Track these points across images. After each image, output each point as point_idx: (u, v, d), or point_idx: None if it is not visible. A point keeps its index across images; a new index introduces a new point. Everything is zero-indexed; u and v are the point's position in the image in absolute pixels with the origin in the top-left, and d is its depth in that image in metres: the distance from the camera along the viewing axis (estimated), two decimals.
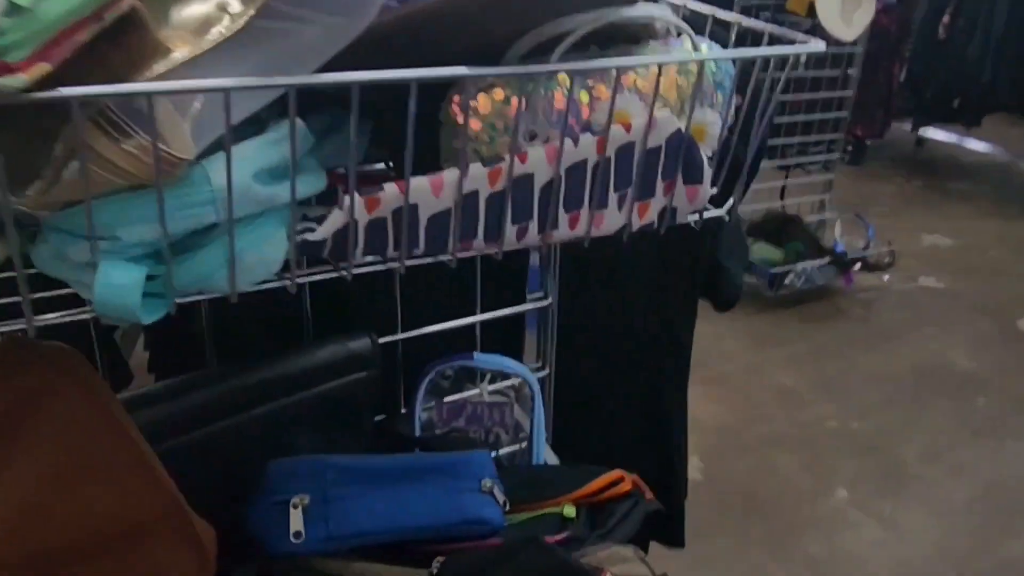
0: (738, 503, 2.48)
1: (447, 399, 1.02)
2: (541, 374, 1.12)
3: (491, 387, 1.05)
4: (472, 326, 1.05)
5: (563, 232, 0.57)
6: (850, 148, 4.48)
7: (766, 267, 3.47)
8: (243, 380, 0.82)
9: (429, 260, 0.57)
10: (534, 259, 1.07)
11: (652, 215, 0.61)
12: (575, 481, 0.93)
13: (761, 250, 3.53)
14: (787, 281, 3.47)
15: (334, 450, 0.86)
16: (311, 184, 0.53)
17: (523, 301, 1.07)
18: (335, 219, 0.50)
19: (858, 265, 3.51)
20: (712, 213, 0.67)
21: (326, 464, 0.77)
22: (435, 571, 0.73)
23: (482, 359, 1.01)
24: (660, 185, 0.59)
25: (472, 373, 1.05)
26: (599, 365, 1.22)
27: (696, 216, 0.64)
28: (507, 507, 0.86)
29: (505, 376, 1.04)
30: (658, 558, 1.47)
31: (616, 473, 0.93)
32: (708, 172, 0.60)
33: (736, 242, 1.22)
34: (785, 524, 2.39)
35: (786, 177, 3.65)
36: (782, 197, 3.68)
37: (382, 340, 0.97)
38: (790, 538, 2.33)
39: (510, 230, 0.55)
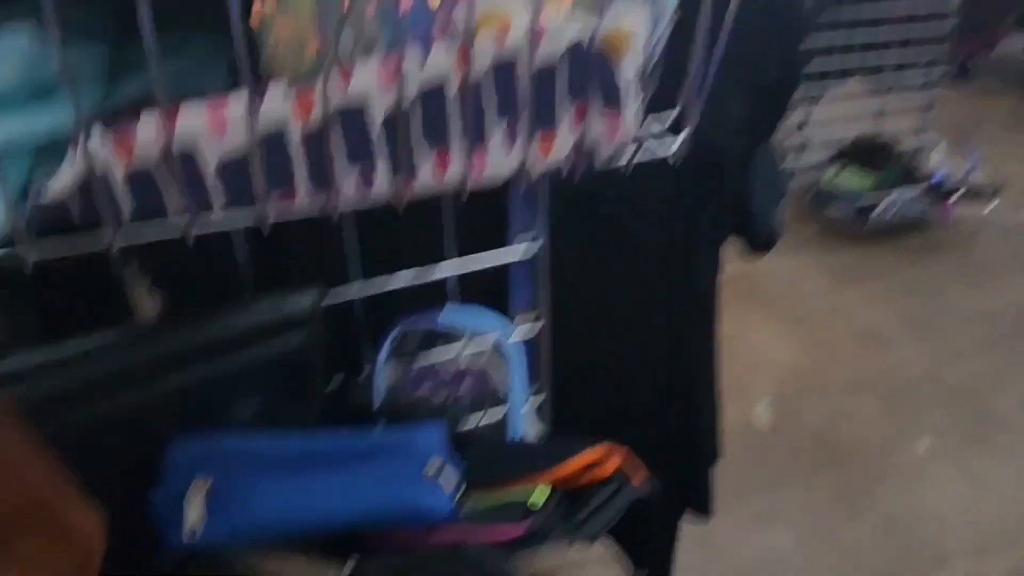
0: (809, 452, 2.31)
1: (416, 363, 0.91)
2: (535, 326, 0.99)
3: (469, 348, 0.93)
4: (444, 277, 0.92)
5: (428, 179, 0.44)
6: (955, 65, 4.07)
7: (854, 197, 3.20)
8: (155, 343, 0.72)
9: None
10: (517, 195, 0.93)
11: (559, 153, 0.46)
12: (549, 460, 0.80)
13: (849, 178, 3.26)
14: (876, 213, 3.20)
15: (275, 422, 0.75)
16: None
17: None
18: (65, 174, 0.38)
19: (958, 195, 3.19)
20: (652, 152, 0.51)
21: (230, 446, 0.67)
22: (347, 573, 0.62)
23: (453, 315, 0.88)
24: (566, 113, 0.45)
25: (447, 331, 0.92)
26: (605, 318, 1.08)
27: (624, 155, 0.49)
28: (460, 491, 0.74)
29: (483, 335, 0.91)
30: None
31: (598, 451, 0.80)
32: (631, 95, 0.45)
33: (769, 176, 1.05)
34: (861, 477, 2.21)
35: (881, 97, 3.33)
36: (876, 120, 3.38)
37: (336, 300, 0.86)
38: (865, 492, 2.16)
39: (348, 177, 0.42)
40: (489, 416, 0.94)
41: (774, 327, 2.82)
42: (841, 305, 2.94)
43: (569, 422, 0.96)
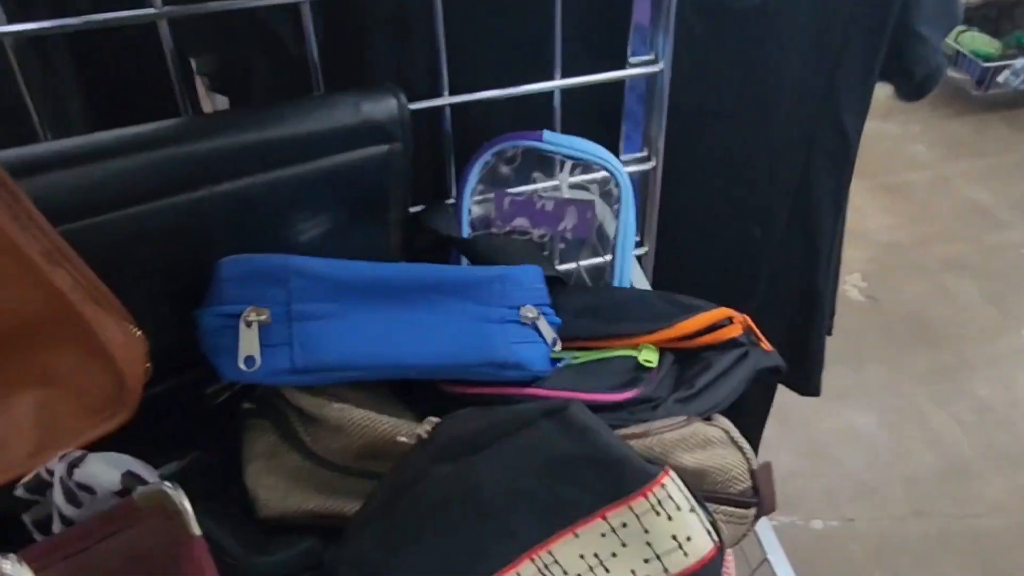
0: (901, 330, 2.16)
1: (511, 190, 0.78)
2: (643, 167, 0.85)
3: (571, 179, 0.79)
4: (548, 97, 0.78)
5: None
6: None
7: (976, 60, 2.89)
8: (211, 140, 0.60)
9: None
10: (641, 11, 0.77)
11: None
12: (663, 315, 0.68)
13: (972, 40, 2.94)
14: (1001, 79, 2.90)
15: (345, 250, 0.64)
16: None
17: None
18: None
19: None
20: None
21: (293, 267, 0.55)
22: (424, 436, 0.52)
23: (557, 140, 0.74)
24: None
25: (547, 160, 0.79)
26: (726, 161, 0.92)
27: None
28: (556, 345, 0.63)
29: (589, 167, 0.78)
30: (781, 391, 1.22)
31: (722, 311, 0.67)
32: None
33: (943, 2, 0.86)
34: (954, 361, 2.07)
35: None
36: None
37: (421, 105, 0.72)
38: (957, 378, 2.02)
39: None
40: (589, 258, 0.82)
41: (874, 196, 2.61)
42: (948, 178, 2.71)
43: (673, 282, 0.83)
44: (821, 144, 0.92)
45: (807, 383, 1.07)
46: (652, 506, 0.49)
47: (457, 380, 0.62)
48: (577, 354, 0.68)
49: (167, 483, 0.41)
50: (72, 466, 0.44)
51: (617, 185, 0.75)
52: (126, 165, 0.57)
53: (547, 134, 0.74)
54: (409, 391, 0.65)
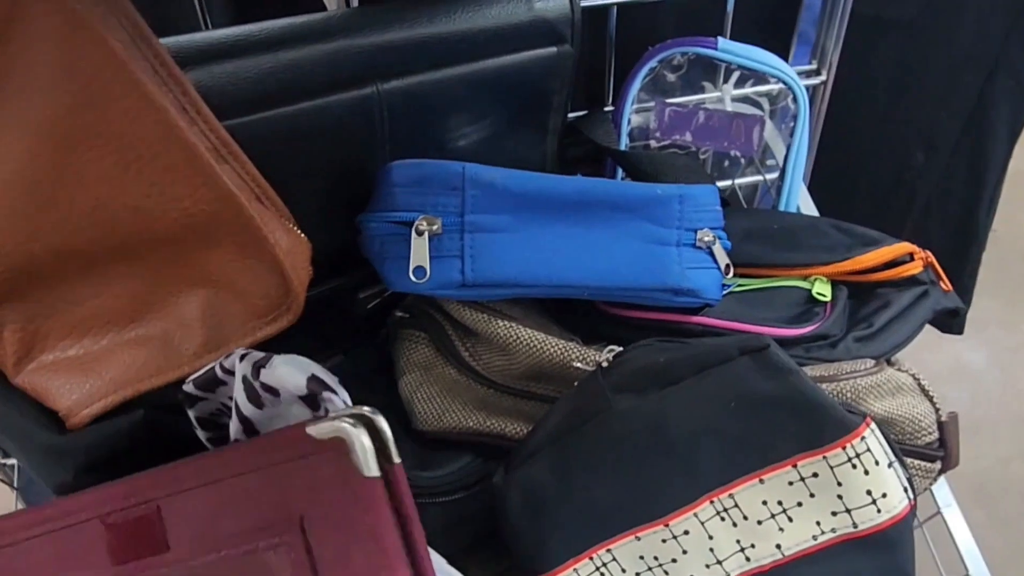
0: (1020, 266, 2.05)
1: (672, 100, 0.73)
2: (812, 80, 0.78)
3: (737, 91, 0.73)
4: (713, 2, 0.71)
5: None
6: None
7: None
8: (373, 37, 0.56)
9: None
10: None
11: None
12: (838, 246, 0.63)
13: None
14: None
15: (501, 157, 0.60)
16: None
17: None
18: None
19: None
20: None
21: (470, 175, 0.52)
22: (604, 364, 0.49)
23: (732, 48, 0.69)
24: None
25: (712, 69, 0.73)
26: (893, 74, 0.85)
27: None
28: (729, 272, 0.59)
29: (760, 78, 0.72)
30: None
31: (904, 245, 0.62)
32: None
33: None
34: None
35: None
36: None
37: (589, 3, 0.67)
38: None
39: None
40: (750, 176, 0.77)
41: None
42: None
43: (837, 207, 0.78)
44: (1007, 65, 0.84)
45: (952, 321, 1.01)
46: (849, 458, 0.45)
47: (621, 303, 0.59)
48: (741, 281, 0.64)
49: (348, 419, 0.39)
50: (258, 367, 0.42)
51: (795, 100, 0.69)
52: (297, 57, 0.54)
53: (722, 41, 0.68)
54: (562, 309, 0.62)
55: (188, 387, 0.51)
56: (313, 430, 0.38)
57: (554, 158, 0.69)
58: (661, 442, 0.47)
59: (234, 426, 0.46)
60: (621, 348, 0.49)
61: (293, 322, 0.53)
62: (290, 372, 0.42)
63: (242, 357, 0.45)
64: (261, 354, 0.44)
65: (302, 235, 0.53)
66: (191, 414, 0.53)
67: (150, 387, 0.52)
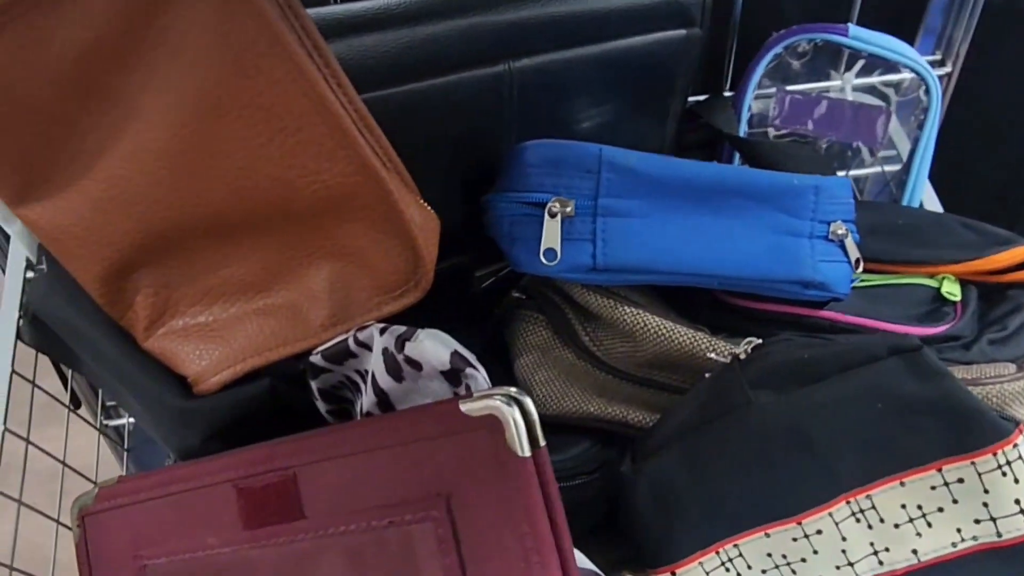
0: None
1: (793, 88, 0.71)
2: (937, 72, 0.75)
3: (859, 80, 0.71)
4: None
5: None
6: None
7: None
8: (507, 14, 0.56)
9: None
10: None
11: None
12: (970, 244, 0.61)
13: None
14: None
15: (621, 140, 0.59)
16: None
17: None
18: None
19: None
20: None
21: (607, 158, 0.51)
22: (742, 356, 0.48)
23: (863, 36, 0.66)
24: None
25: (838, 57, 0.71)
26: (1020, 70, 0.82)
27: None
28: (859, 267, 0.58)
29: (889, 66, 0.69)
30: None
31: None
32: None
33: None
34: None
35: None
36: None
37: None
38: None
39: None
40: (869, 167, 0.74)
41: None
42: None
43: (952, 203, 0.75)
44: None
45: None
46: (999, 465, 0.44)
47: (747, 294, 0.57)
48: (864, 276, 0.62)
49: (500, 397, 0.39)
50: (403, 340, 0.42)
51: (926, 92, 0.67)
52: (434, 32, 0.54)
53: (853, 28, 0.66)
54: (680, 298, 0.61)
55: (315, 358, 0.51)
56: (466, 407, 0.38)
57: (672, 143, 0.68)
58: (800, 440, 0.45)
59: (367, 399, 0.46)
60: (760, 341, 0.48)
61: (419, 299, 0.53)
62: (435, 346, 0.41)
63: (382, 330, 0.45)
64: (404, 328, 0.44)
65: (432, 211, 0.53)
66: (314, 385, 0.53)
67: (277, 357, 0.53)
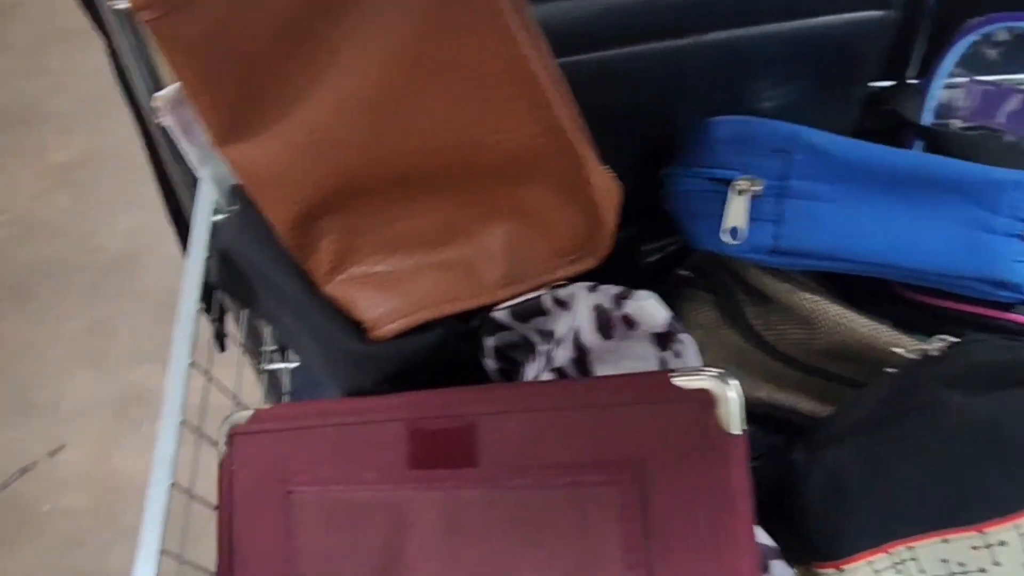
0: None
1: (985, 79, 0.67)
2: None
3: None
4: None
5: None
6: None
7: None
8: None
9: None
10: None
11: None
12: None
13: None
14: None
15: (803, 121, 0.58)
16: None
17: None
18: None
19: None
20: None
21: (799, 138, 0.50)
22: (936, 354, 0.46)
23: None
24: None
25: None
26: None
27: None
28: None
29: None
30: None
31: None
32: None
33: None
34: None
35: None
36: None
37: None
38: None
39: None
40: None
41: None
42: None
43: None
44: None
45: None
46: None
47: (929, 289, 0.55)
48: None
49: (713, 372, 0.38)
50: (621, 298, 0.42)
51: None
52: (627, 0, 0.53)
53: None
54: (850, 289, 0.59)
55: (500, 314, 0.52)
56: (678, 379, 0.38)
57: (852, 129, 0.65)
58: (993, 445, 0.43)
59: (564, 354, 0.46)
60: (956, 340, 0.46)
61: (595, 266, 0.53)
62: (655, 307, 0.41)
63: (592, 288, 0.45)
64: (618, 287, 0.44)
65: (615, 179, 0.53)
66: (489, 342, 0.54)
67: (450, 312, 0.54)
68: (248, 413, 0.53)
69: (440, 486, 0.45)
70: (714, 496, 0.37)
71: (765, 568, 0.44)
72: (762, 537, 0.45)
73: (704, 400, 0.37)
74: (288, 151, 0.51)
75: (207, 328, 0.66)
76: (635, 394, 0.39)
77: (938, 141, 0.64)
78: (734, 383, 0.37)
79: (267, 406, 0.54)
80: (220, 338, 0.69)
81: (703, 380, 0.37)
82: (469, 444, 0.44)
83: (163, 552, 0.49)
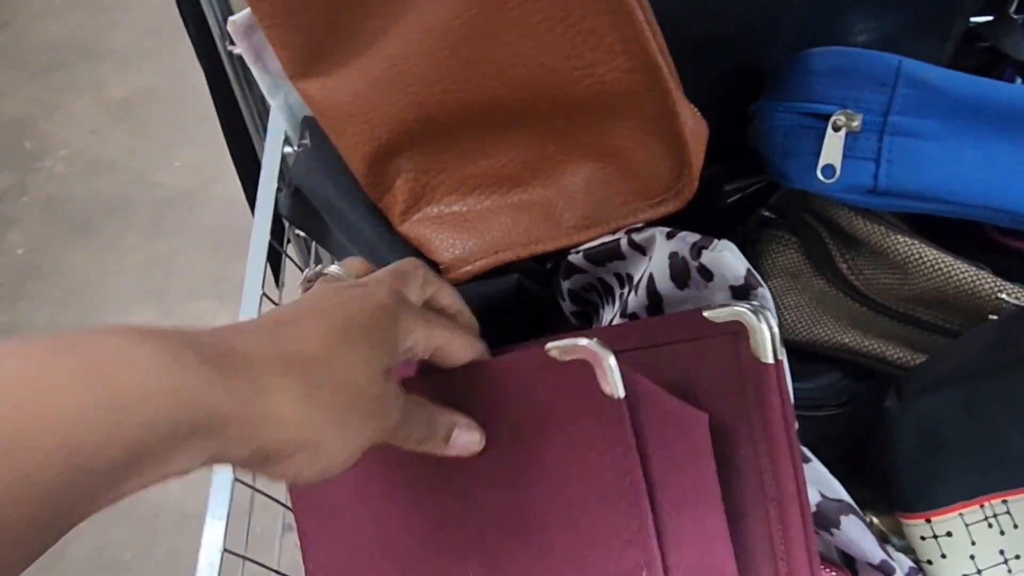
0: None
1: None
2: None
3: None
4: None
5: None
6: None
7: None
8: None
9: None
10: None
11: None
12: None
13: None
14: None
15: (898, 54, 0.54)
16: None
17: None
18: None
19: None
20: None
21: (907, 71, 0.47)
22: None
23: None
24: None
25: None
26: None
27: None
28: None
29: None
30: None
31: None
32: None
33: None
34: None
35: None
36: None
37: None
38: None
39: None
40: None
41: None
42: None
43: None
44: None
45: None
46: None
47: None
48: None
49: (745, 305, 0.37)
50: (699, 247, 0.41)
51: None
52: None
53: None
54: (941, 233, 0.56)
55: (575, 257, 0.50)
56: (710, 313, 0.37)
57: (948, 65, 0.62)
58: None
59: (637, 300, 0.45)
60: None
61: (679, 208, 0.51)
62: (734, 259, 0.40)
63: (669, 234, 0.43)
64: (698, 235, 0.42)
65: (701, 116, 0.51)
66: (565, 285, 0.53)
67: (528, 254, 0.52)
68: None
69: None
70: (751, 425, 0.36)
71: (836, 524, 0.43)
72: (833, 491, 0.44)
73: (737, 331, 0.37)
74: (366, 85, 0.49)
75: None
76: (671, 334, 0.39)
77: None
78: (767, 314, 0.36)
79: None
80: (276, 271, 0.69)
81: (735, 312, 0.36)
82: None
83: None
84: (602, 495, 0.38)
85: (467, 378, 0.42)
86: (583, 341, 0.37)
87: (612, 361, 0.37)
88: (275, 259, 0.70)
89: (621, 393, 0.37)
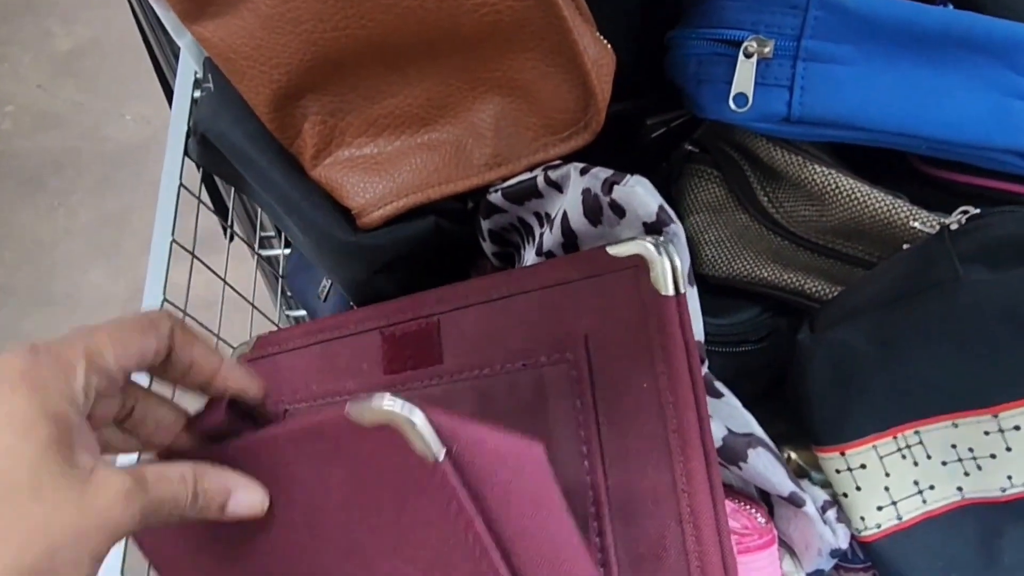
0: None
1: None
2: None
3: None
4: None
5: None
6: None
7: None
8: None
9: None
10: None
11: None
12: None
13: None
14: None
15: None
16: None
17: None
18: None
19: None
20: None
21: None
22: (951, 227, 0.43)
23: None
24: None
25: None
26: None
27: None
28: None
29: None
30: None
31: None
32: None
33: None
34: None
35: None
36: None
37: None
38: None
39: None
40: None
41: None
42: None
43: None
44: None
45: None
46: None
47: (951, 163, 0.51)
48: None
49: (648, 240, 0.37)
50: (611, 183, 0.39)
51: None
52: None
53: None
54: (865, 163, 0.55)
55: (494, 196, 0.49)
56: (613, 249, 0.37)
57: None
58: (1012, 324, 0.41)
59: (552, 238, 0.44)
60: (977, 211, 0.43)
61: (589, 142, 0.49)
62: (646, 195, 0.39)
63: (583, 171, 0.42)
64: (610, 171, 0.41)
65: (608, 45, 0.49)
66: (484, 225, 0.52)
67: (439, 196, 0.51)
68: (252, 341, 0.53)
69: (411, 387, 0.46)
70: (652, 358, 0.36)
71: (744, 457, 0.43)
72: (743, 426, 0.44)
73: (638, 265, 0.37)
74: (259, 24, 0.47)
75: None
76: (576, 271, 0.39)
77: None
78: (669, 248, 0.36)
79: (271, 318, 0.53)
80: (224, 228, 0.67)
81: (637, 246, 0.37)
82: (435, 342, 0.45)
83: None
84: (447, 557, 0.33)
85: (267, 449, 0.37)
86: (386, 403, 0.31)
87: (420, 420, 0.30)
88: (223, 208, 0.68)
89: (440, 455, 0.30)
